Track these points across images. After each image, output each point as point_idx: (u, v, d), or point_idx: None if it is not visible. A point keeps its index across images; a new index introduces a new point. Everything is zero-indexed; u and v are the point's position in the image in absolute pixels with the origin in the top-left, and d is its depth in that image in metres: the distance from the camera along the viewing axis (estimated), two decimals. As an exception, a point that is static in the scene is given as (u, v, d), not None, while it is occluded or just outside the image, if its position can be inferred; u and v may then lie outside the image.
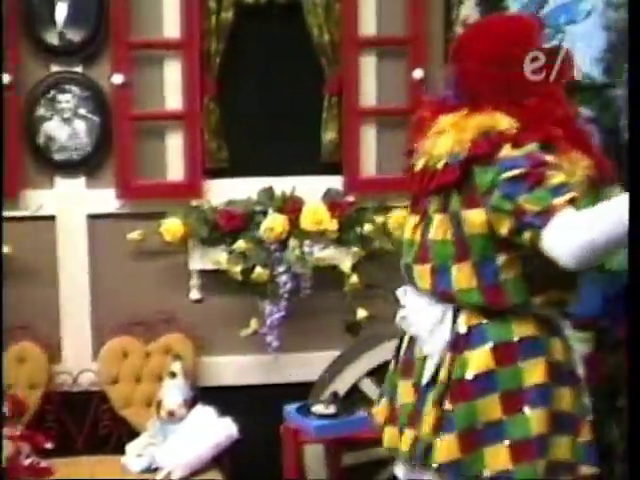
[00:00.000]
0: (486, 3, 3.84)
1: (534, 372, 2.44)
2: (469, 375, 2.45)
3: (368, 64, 4.01)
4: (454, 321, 2.50)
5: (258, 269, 3.91)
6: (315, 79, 4.02)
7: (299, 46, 3.98)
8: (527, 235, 2.33)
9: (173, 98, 3.95)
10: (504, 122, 2.41)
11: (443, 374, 2.48)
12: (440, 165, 2.45)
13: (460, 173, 2.42)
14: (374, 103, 4.04)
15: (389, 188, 4.00)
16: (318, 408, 3.61)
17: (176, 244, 3.92)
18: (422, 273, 2.53)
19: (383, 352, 3.81)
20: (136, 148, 3.92)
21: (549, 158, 2.38)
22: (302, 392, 3.81)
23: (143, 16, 3.88)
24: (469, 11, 3.85)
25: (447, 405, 2.45)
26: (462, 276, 2.45)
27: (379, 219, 3.96)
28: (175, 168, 3.98)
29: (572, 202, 2.30)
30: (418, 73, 3.95)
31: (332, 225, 3.95)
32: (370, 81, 4.02)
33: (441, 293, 2.50)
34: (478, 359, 2.44)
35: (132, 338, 3.92)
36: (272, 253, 3.93)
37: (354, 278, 3.95)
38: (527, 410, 2.43)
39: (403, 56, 3.99)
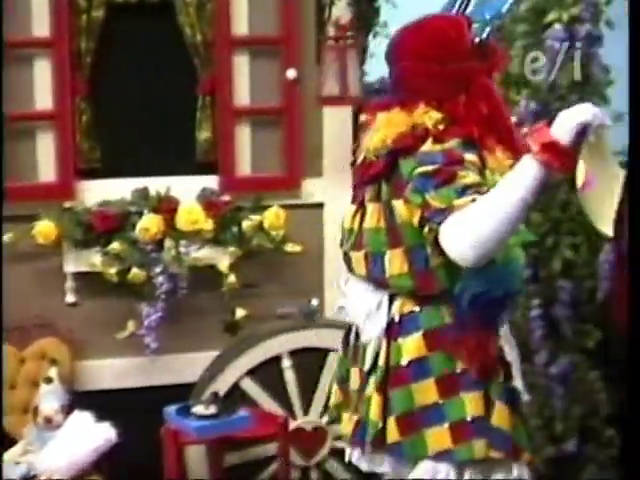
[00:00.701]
0: (358, 4, 3.90)
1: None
2: (404, 361, 2.58)
3: (241, 64, 4.01)
4: (389, 308, 2.62)
5: (134, 270, 3.88)
6: (189, 79, 4.01)
7: (172, 46, 3.96)
8: (428, 229, 2.47)
9: (43, 98, 3.87)
10: (431, 118, 2.53)
11: (382, 360, 2.60)
12: (374, 157, 2.60)
13: (385, 165, 2.56)
14: (248, 102, 4.04)
15: (265, 187, 4.03)
16: (198, 409, 3.60)
17: (49, 247, 3.86)
18: (358, 260, 2.65)
19: (263, 351, 3.84)
20: (5, 149, 3.83)
21: (467, 156, 2.49)
22: (182, 393, 3.79)
23: (11, 14, 3.79)
24: (341, 12, 3.89)
25: (388, 390, 2.58)
26: (395, 262, 2.57)
27: (256, 218, 3.98)
28: (46, 169, 3.91)
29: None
30: (291, 73, 3.97)
31: (208, 225, 3.95)
32: (243, 81, 4.02)
33: (375, 279, 2.62)
34: (411, 346, 2.57)
35: (6, 344, 3.83)
36: (148, 254, 3.90)
37: (232, 277, 3.95)
38: (462, 393, 2.56)
39: (276, 56, 4.01)
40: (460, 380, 2.57)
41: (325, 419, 3.89)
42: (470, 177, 2.43)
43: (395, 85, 2.68)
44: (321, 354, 3.88)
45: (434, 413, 2.57)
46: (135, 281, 3.88)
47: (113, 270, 3.87)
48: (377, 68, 4.03)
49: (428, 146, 2.50)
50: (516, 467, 2.63)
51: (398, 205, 2.56)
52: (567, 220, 3.78)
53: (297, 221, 4.02)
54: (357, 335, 2.73)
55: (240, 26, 3.98)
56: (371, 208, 2.62)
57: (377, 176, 2.59)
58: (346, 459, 2.81)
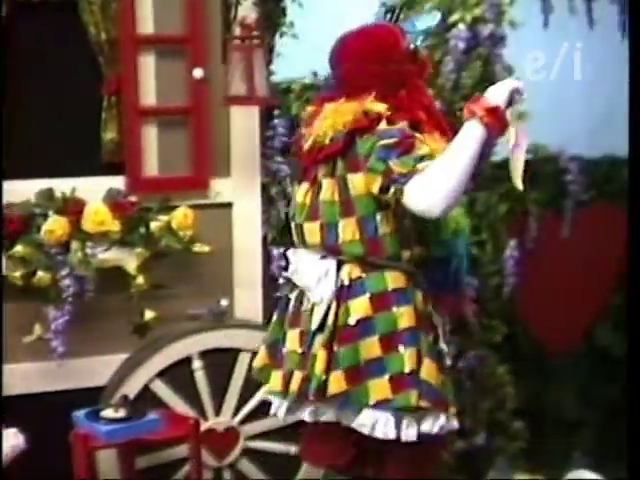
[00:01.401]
0: (264, 4, 3.90)
1: (406, 317, 2.94)
2: (352, 321, 2.93)
3: (147, 63, 3.97)
4: (337, 274, 2.97)
5: (39, 273, 3.82)
6: (94, 78, 3.96)
7: (76, 45, 3.90)
8: (392, 191, 2.81)
9: (-57, 98, 3.79)
10: (380, 106, 2.93)
11: (330, 320, 2.95)
12: (327, 140, 2.96)
13: (343, 143, 2.93)
14: (154, 102, 4.01)
15: (172, 187, 4.01)
16: (108, 412, 3.56)
17: (-48, 251, 3.78)
18: (312, 230, 3.01)
19: (173, 352, 3.82)
20: None
21: (417, 135, 2.90)
22: (92, 397, 3.76)
23: None
24: (247, 11, 3.88)
25: (335, 347, 2.92)
26: (348, 230, 2.95)
27: (164, 218, 3.95)
28: (-53, 171, 3.82)
29: None
30: (198, 72, 3.95)
31: (115, 226, 3.91)
32: (149, 80, 3.98)
33: (329, 246, 2.98)
34: (359, 307, 2.94)
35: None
36: (53, 256, 3.84)
37: (140, 279, 3.91)
38: (402, 349, 2.91)
39: (182, 55, 3.98)
40: (400, 337, 2.92)
41: (237, 419, 3.90)
42: (424, 149, 2.84)
43: (339, 84, 3.07)
44: (232, 354, 3.88)
45: (377, 366, 2.91)
46: (41, 284, 3.82)
47: (18, 273, 3.80)
48: (284, 68, 4.05)
49: (384, 126, 2.90)
50: (443, 416, 2.99)
51: (353, 178, 2.93)
52: (472, 218, 3.83)
53: (206, 221, 4.01)
54: (300, 302, 3.05)
55: (145, 25, 3.94)
56: (326, 183, 2.98)
57: (334, 154, 2.95)
58: (272, 412, 3.14)
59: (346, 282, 2.96)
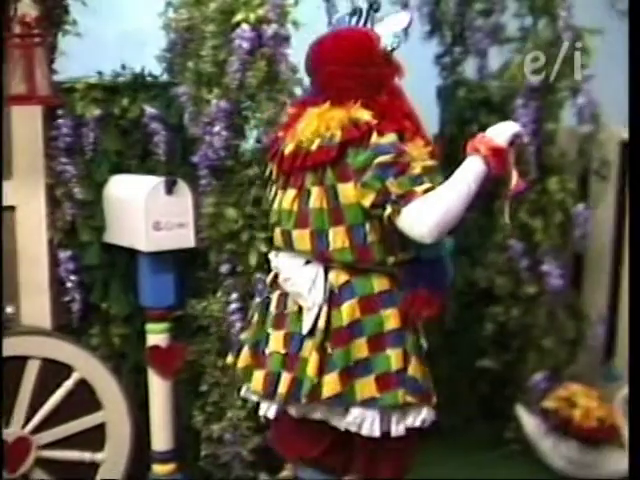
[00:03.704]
0: (44, 1, 3.81)
1: (392, 319, 3.05)
2: (343, 324, 3.02)
3: None
4: (325, 279, 3.06)
5: None
6: None
7: None
8: (389, 210, 2.91)
9: None
10: (366, 114, 2.99)
11: (322, 324, 3.02)
12: (314, 147, 3.01)
13: (337, 153, 2.98)
14: None
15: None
16: None
17: None
18: (302, 237, 3.07)
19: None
20: None
21: (405, 147, 2.97)
22: None
23: None
24: (26, 9, 3.77)
25: (329, 350, 3.02)
26: (338, 238, 3.02)
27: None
28: None
29: (427, 191, 2.91)
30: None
31: None
32: None
33: (319, 253, 3.05)
34: (348, 310, 3.03)
35: None
36: None
37: None
38: (388, 350, 3.03)
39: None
40: (386, 339, 3.03)
41: (28, 428, 3.79)
42: (417, 168, 2.94)
43: (320, 87, 3.11)
44: (19, 362, 3.77)
45: (364, 366, 3.02)
46: None
47: None
48: (68, 67, 3.97)
49: (376, 139, 2.97)
50: (425, 410, 3.11)
51: (344, 188, 2.99)
52: (261, 216, 3.88)
53: (-13, 226, 3.88)
54: (283, 304, 3.14)
55: None
56: (315, 191, 3.03)
57: (324, 163, 3.00)
58: (261, 414, 3.20)
59: (336, 288, 3.04)
